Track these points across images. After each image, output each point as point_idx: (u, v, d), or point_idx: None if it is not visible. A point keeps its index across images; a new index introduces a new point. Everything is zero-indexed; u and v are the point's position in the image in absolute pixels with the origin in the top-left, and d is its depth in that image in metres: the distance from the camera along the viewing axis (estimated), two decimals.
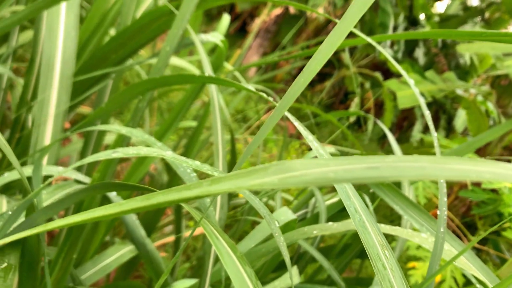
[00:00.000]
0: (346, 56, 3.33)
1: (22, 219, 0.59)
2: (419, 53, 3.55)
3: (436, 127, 3.30)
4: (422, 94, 2.78)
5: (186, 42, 0.99)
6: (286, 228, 0.80)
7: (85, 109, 1.66)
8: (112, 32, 1.14)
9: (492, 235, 1.75)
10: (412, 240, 0.64)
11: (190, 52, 2.36)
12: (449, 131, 3.36)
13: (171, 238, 1.45)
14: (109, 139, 1.26)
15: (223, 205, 0.80)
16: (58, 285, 0.77)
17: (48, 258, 0.78)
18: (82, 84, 0.98)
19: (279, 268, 0.97)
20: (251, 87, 0.62)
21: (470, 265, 0.59)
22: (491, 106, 2.72)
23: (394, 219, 2.35)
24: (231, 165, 1.17)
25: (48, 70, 0.87)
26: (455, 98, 3.15)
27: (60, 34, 0.90)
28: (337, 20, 0.65)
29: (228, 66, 1.56)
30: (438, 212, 0.48)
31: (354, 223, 0.43)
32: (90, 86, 1.02)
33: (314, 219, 0.96)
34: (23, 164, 0.83)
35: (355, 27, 0.44)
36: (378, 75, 3.39)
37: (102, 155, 0.50)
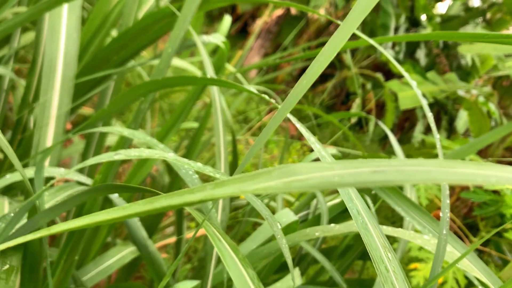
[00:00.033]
0: (347, 57, 3.32)
1: (24, 220, 0.59)
2: (421, 54, 3.54)
3: (438, 128, 3.30)
4: (424, 95, 2.78)
5: (188, 44, 0.99)
6: (287, 229, 0.80)
7: (86, 110, 1.67)
8: (114, 33, 1.14)
9: (494, 236, 1.74)
10: (415, 242, 0.64)
11: (191, 53, 2.36)
12: (451, 132, 3.35)
13: (173, 239, 1.45)
14: (111, 140, 1.26)
15: (225, 207, 0.80)
16: (60, 287, 0.77)
17: (50, 259, 0.78)
18: (84, 85, 0.98)
19: (281, 269, 0.97)
20: (253, 88, 0.62)
21: (473, 267, 0.58)
22: (492, 107, 2.72)
23: (396, 220, 2.35)
24: (232, 166, 1.17)
25: (50, 72, 0.87)
26: (457, 99, 3.14)
27: (62, 35, 0.90)
28: (338, 22, 0.65)
29: (229, 67, 1.56)
30: (441, 214, 0.48)
31: (357, 225, 0.43)
32: (92, 87, 1.02)
33: (316, 220, 0.96)
34: (25, 165, 0.83)
35: (356, 28, 0.44)
36: (379, 76, 3.38)
37: (104, 157, 0.50)
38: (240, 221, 1.22)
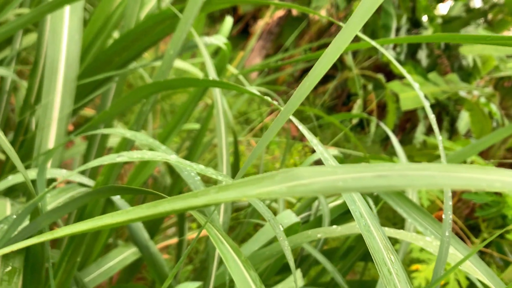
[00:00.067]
0: (348, 58, 3.32)
1: (26, 222, 0.59)
2: (422, 55, 3.54)
3: (439, 129, 3.29)
4: (425, 96, 2.77)
5: (190, 45, 0.99)
6: (289, 231, 0.80)
7: (88, 111, 1.67)
8: (116, 34, 1.14)
9: (496, 238, 1.74)
10: (417, 244, 0.64)
11: (193, 55, 2.36)
12: (452, 133, 3.35)
13: (174, 240, 1.45)
14: (112, 141, 1.26)
15: (226, 208, 0.80)
16: None
17: (51, 261, 0.78)
18: (85, 87, 0.98)
19: (283, 270, 0.97)
20: (255, 90, 0.62)
21: (475, 269, 0.58)
22: (494, 108, 2.72)
23: (397, 221, 2.35)
24: (234, 167, 1.17)
25: (52, 74, 0.87)
26: (458, 100, 3.14)
27: (64, 37, 0.90)
28: (340, 23, 0.65)
29: (231, 68, 1.56)
30: (443, 216, 0.48)
31: (360, 228, 0.43)
32: (93, 89, 1.02)
33: (318, 221, 0.96)
34: (27, 167, 0.84)
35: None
36: (380, 77, 3.38)
37: (106, 159, 0.50)
38: (241, 222, 1.22)
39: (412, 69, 3.15)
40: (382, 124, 1.35)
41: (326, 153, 0.49)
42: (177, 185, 1.15)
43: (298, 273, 0.84)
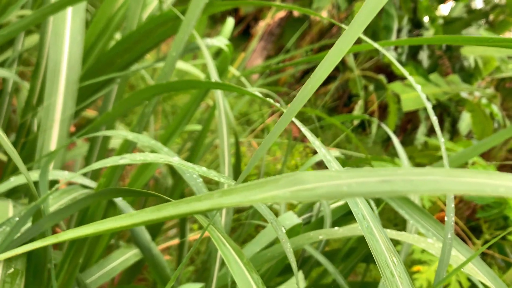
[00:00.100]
0: (350, 59, 3.33)
1: (28, 223, 0.59)
2: (423, 56, 3.54)
3: (441, 130, 3.29)
4: (426, 97, 2.77)
5: (192, 47, 0.99)
6: (291, 232, 0.80)
7: (90, 112, 1.67)
8: (118, 36, 1.14)
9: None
10: (419, 246, 0.64)
11: (194, 56, 2.37)
12: (453, 134, 3.35)
13: (175, 241, 1.45)
14: (114, 142, 1.26)
15: (228, 210, 0.80)
16: None
17: (54, 262, 0.78)
18: (87, 88, 0.98)
19: (284, 271, 0.97)
20: (257, 92, 0.62)
21: (477, 270, 0.58)
22: (495, 108, 2.72)
23: (398, 222, 2.35)
24: (235, 168, 1.17)
25: (54, 76, 0.87)
26: (460, 101, 3.14)
27: (66, 39, 0.90)
28: (341, 25, 0.65)
29: (232, 70, 1.56)
30: (446, 218, 0.48)
31: (362, 230, 0.43)
32: (95, 90, 1.02)
33: (319, 223, 0.95)
34: (29, 168, 0.84)
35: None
36: (382, 77, 3.38)
37: (109, 162, 0.51)
38: (243, 224, 1.22)
39: (413, 70, 3.15)
40: (383, 125, 1.35)
41: (329, 155, 0.49)
42: (179, 186, 1.15)
43: (300, 275, 0.84)
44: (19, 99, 1.30)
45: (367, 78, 3.57)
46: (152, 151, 0.73)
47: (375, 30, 3.46)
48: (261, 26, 3.82)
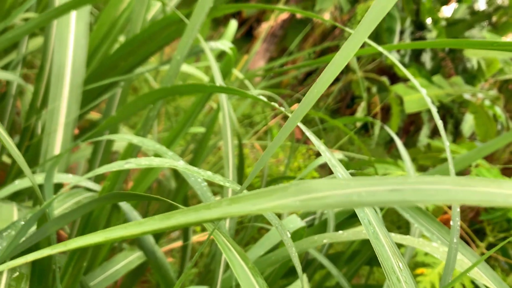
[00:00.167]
0: (353, 61, 3.32)
1: (33, 227, 0.59)
2: (426, 58, 3.54)
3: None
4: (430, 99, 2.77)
5: (196, 50, 1.00)
6: (295, 235, 0.80)
7: (93, 115, 1.67)
8: (122, 39, 1.14)
9: (501, 241, 1.73)
10: (423, 249, 0.64)
11: (197, 58, 2.37)
12: (456, 135, 3.34)
13: (178, 244, 1.45)
14: (118, 145, 1.26)
15: None
16: None
17: (58, 265, 0.78)
18: (91, 91, 0.98)
19: (288, 274, 0.97)
20: (261, 96, 0.62)
21: (481, 274, 0.58)
22: (499, 110, 2.71)
23: (402, 224, 2.34)
24: (238, 170, 1.17)
25: (58, 80, 0.88)
26: (463, 103, 3.14)
27: (70, 43, 0.90)
28: (344, 28, 0.65)
29: (236, 72, 1.56)
30: (452, 223, 0.48)
31: (368, 235, 0.43)
32: (99, 93, 1.02)
33: (323, 225, 0.95)
34: (33, 172, 0.84)
35: None
36: (385, 79, 3.38)
37: (114, 166, 0.51)
38: (246, 226, 1.22)
39: (416, 72, 3.15)
40: (386, 127, 1.34)
41: (333, 159, 0.49)
42: (182, 189, 1.15)
43: (304, 278, 0.84)
44: (23, 102, 1.30)
45: (370, 80, 3.57)
46: (157, 155, 0.73)
47: (378, 32, 3.46)
48: (264, 28, 3.83)
